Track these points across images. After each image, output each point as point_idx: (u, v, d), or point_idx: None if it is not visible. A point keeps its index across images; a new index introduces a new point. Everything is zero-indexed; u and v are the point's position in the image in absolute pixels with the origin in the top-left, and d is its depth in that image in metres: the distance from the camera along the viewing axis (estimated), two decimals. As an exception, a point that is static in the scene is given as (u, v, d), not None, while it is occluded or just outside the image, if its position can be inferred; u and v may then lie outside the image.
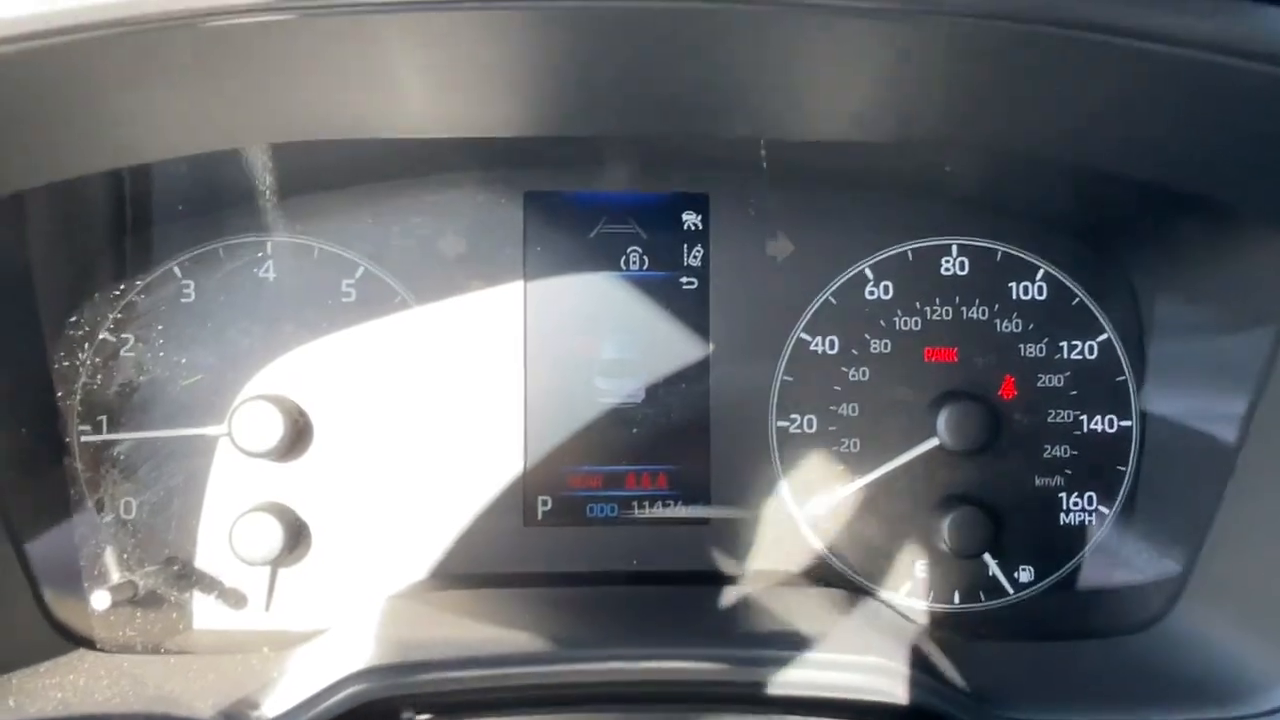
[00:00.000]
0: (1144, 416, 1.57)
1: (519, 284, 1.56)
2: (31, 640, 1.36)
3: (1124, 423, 1.58)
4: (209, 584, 1.53)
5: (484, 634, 1.30)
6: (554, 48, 1.01)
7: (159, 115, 1.11)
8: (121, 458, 1.51)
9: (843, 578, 1.57)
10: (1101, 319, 1.58)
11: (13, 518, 1.35)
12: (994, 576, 1.56)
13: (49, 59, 0.91)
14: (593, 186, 1.58)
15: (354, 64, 1.02)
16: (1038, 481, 1.58)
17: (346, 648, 1.28)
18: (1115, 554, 1.56)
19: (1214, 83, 0.97)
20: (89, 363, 1.50)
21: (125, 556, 1.50)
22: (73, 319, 1.48)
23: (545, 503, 1.57)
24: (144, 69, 0.98)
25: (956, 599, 1.58)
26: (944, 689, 1.21)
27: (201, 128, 1.17)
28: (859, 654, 1.24)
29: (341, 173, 1.52)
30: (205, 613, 1.53)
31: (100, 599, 1.38)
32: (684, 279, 1.58)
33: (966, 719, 1.18)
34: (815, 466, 1.57)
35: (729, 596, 1.48)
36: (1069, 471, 1.58)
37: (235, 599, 1.53)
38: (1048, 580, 1.58)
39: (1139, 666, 1.36)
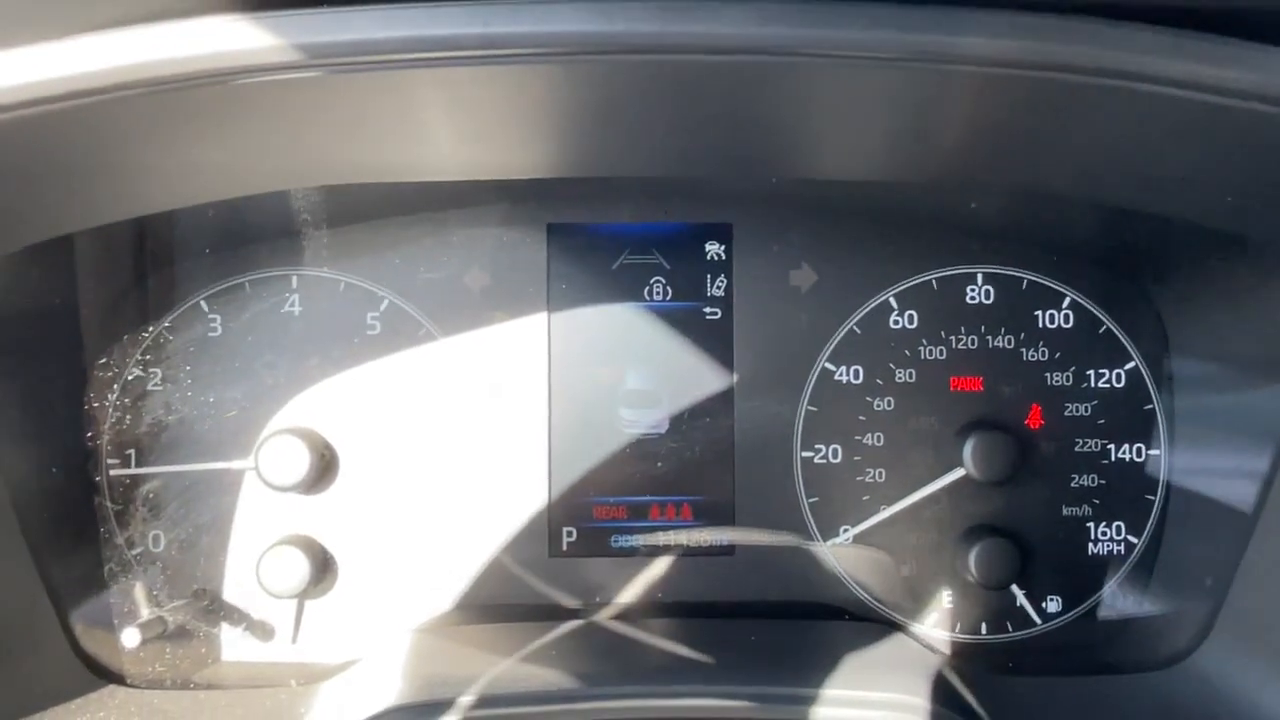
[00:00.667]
0: (1172, 445, 1.56)
1: (543, 315, 1.57)
2: (63, 678, 1.37)
3: (1152, 452, 1.56)
4: (237, 617, 1.54)
5: (510, 670, 1.31)
6: (581, 98, 1.01)
7: (190, 165, 1.12)
8: (150, 495, 1.52)
9: (868, 609, 1.57)
10: (1129, 347, 1.57)
11: (44, 556, 1.37)
12: (1021, 607, 1.55)
13: (84, 115, 0.92)
14: (616, 218, 1.59)
15: (382, 116, 1.03)
16: (1065, 511, 1.57)
17: (374, 684, 1.29)
18: (1143, 585, 1.55)
19: (1238, 125, 0.96)
20: (118, 401, 1.51)
21: (154, 592, 1.51)
22: (102, 359, 1.50)
23: (570, 533, 1.57)
24: (175, 124, 0.99)
25: (983, 630, 1.57)
26: (970, 727, 1.21)
27: (231, 176, 1.19)
28: (885, 689, 1.24)
29: (366, 207, 1.53)
30: (233, 646, 1.54)
31: (130, 636, 1.39)
32: (707, 309, 1.58)
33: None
34: (840, 497, 1.57)
35: (753, 629, 1.48)
36: (1097, 501, 1.56)
37: (263, 632, 1.54)
38: (1075, 611, 1.56)
39: (1167, 703, 1.34)
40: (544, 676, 1.29)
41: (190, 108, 0.95)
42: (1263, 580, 1.34)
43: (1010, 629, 1.57)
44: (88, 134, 1.00)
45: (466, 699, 1.19)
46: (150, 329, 1.53)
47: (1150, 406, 1.57)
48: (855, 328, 1.58)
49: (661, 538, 1.57)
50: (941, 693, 1.25)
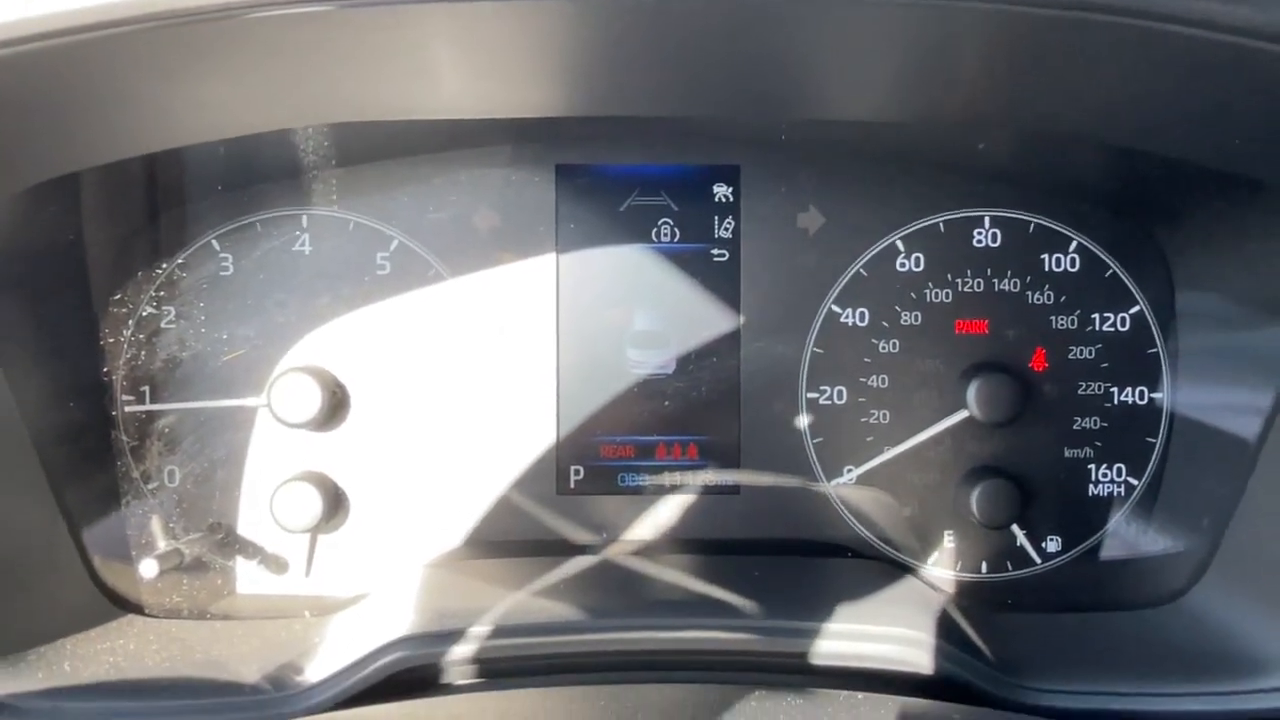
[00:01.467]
0: (1175, 389, 1.57)
1: (551, 256, 1.57)
2: (83, 608, 1.41)
3: (1155, 395, 1.58)
4: (251, 551, 1.57)
5: (519, 603, 1.33)
6: (588, 33, 1.01)
7: (200, 102, 1.13)
8: (166, 430, 1.55)
9: (871, 547, 1.59)
10: (1134, 291, 1.57)
11: (63, 489, 1.39)
12: (1021, 547, 1.57)
13: (94, 50, 0.93)
14: (624, 159, 1.59)
15: (391, 51, 1.03)
16: (1067, 453, 1.58)
17: (386, 615, 1.31)
18: (1142, 526, 1.57)
19: (1250, 66, 0.96)
20: (133, 338, 1.53)
21: (170, 525, 1.54)
22: (116, 296, 1.52)
23: (578, 472, 1.60)
24: (184, 60, 0.99)
25: (984, 569, 1.59)
26: (970, 660, 1.23)
27: (241, 113, 1.19)
28: (886, 624, 1.26)
29: (376, 147, 1.53)
30: (248, 578, 1.57)
31: (148, 567, 1.42)
32: (715, 251, 1.59)
33: (991, 690, 1.20)
34: (845, 438, 1.59)
35: (758, 566, 1.50)
36: (1099, 443, 1.58)
37: (277, 565, 1.57)
38: (1075, 551, 1.59)
39: (1162, 640, 1.37)
40: (552, 610, 1.31)
41: (200, 43, 0.96)
42: (1257, 522, 1.36)
43: (1010, 568, 1.59)
44: (96, 70, 1.00)
45: (476, 630, 1.22)
46: (163, 266, 1.54)
47: (1154, 350, 1.57)
48: (862, 270, 1.58)
49: (668, 477, 1.59)
50: (942, 628, 1.27)
